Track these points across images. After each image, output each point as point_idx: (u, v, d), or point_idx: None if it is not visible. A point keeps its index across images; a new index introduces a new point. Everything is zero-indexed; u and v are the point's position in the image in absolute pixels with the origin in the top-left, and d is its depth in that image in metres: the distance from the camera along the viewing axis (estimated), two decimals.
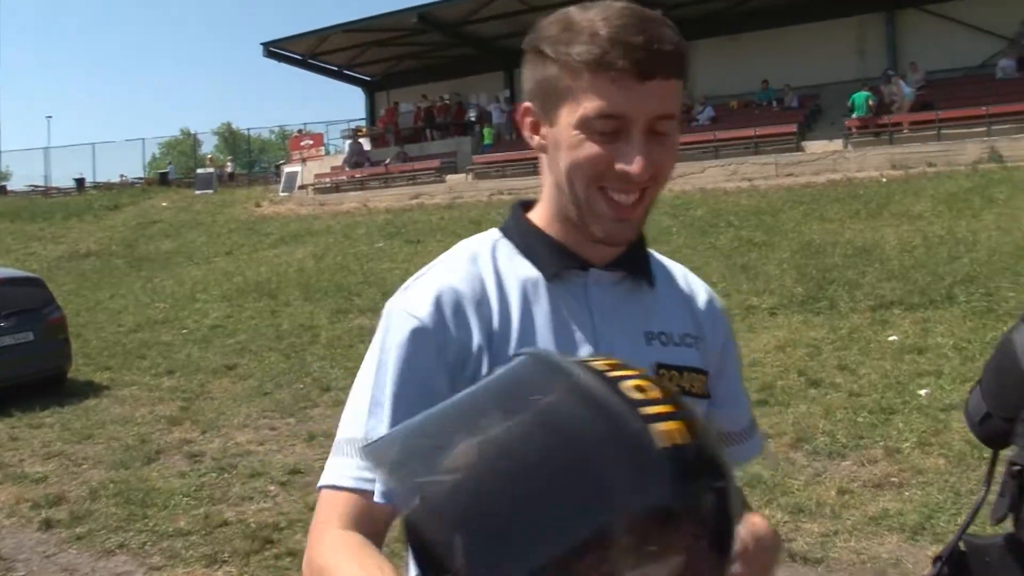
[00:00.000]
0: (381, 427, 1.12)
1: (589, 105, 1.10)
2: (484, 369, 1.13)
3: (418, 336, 1.15)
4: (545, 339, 1.18)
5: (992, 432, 1.44)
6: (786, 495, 5.41)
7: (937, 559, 1.51)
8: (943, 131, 20.20)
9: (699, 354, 1.28)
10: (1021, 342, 1.41)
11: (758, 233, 14.47)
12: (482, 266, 1.22)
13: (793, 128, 22.67)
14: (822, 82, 24.95)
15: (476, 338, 1.16)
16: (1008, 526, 1.41)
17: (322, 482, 1.17)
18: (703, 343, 1.30)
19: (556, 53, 1.12)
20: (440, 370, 1.14)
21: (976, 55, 23.14)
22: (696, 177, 21.67)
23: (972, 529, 1.50)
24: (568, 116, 1.12)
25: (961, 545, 1.46)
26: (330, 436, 1.38)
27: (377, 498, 1.10)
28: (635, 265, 1.27)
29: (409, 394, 1.13)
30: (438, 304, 1.16)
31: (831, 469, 5.85)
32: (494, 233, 1.28)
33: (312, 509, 1.22)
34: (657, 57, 1.09)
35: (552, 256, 1.22)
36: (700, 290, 1.36)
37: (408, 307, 1.18)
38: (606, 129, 1.10)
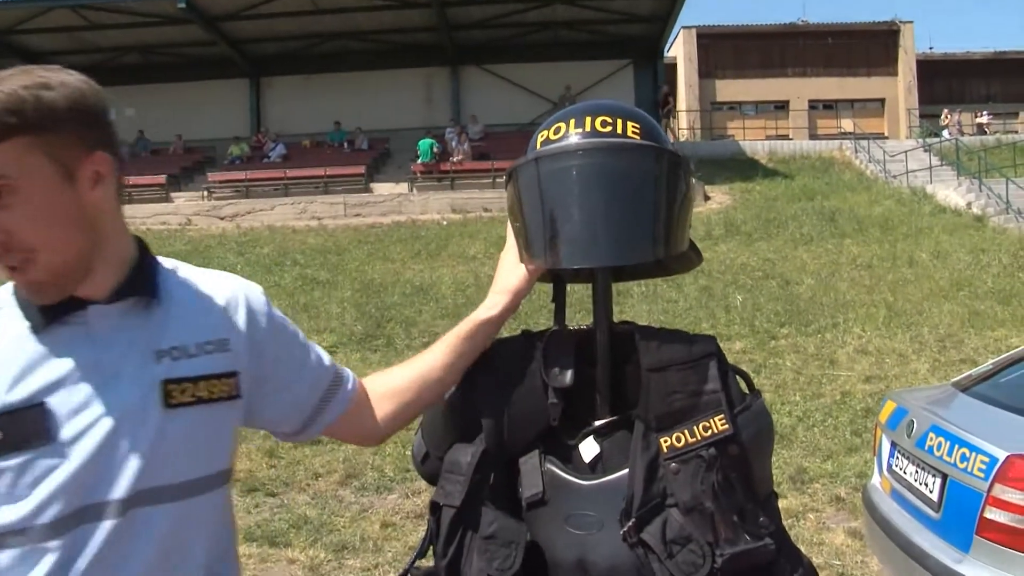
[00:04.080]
0: None
1: None
2: None
3: None
4: (44, 385, 1.20)
5: (433, 471, 1.51)
6: (332, 533, 5.41)
7: None
8: (498, 180, 22.07)
9: (225, 357, 1.32)
10: (451, 392, 1.51)
11: (323, 272, 14.62)
12: None
13: (362, 169, 23.39)
14: (392, 127, 26.09)
15: None
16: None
17: None
18: (230, 344, 1.33)
19: None
20: None
21: (528, 113, 25.68)
22: (265, 214, 21.45)
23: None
24: None
25: None
26: None
27: None
28: (141, 288, 1.29)
29: None
30: None
31: (377, 503, 5.96)
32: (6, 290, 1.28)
33: None
34: None
35: (41, 308, 1.23)
36: (227, 291, 1.39)
37: None
38: None
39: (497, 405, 1.46)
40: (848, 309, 11.63)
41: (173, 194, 23.38)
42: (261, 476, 6.50)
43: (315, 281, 13.99)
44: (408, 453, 6.86)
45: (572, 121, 1.45)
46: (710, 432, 1.35)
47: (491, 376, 1.48)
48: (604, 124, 1.43)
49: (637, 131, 1.43)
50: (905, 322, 10.98)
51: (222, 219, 21.57)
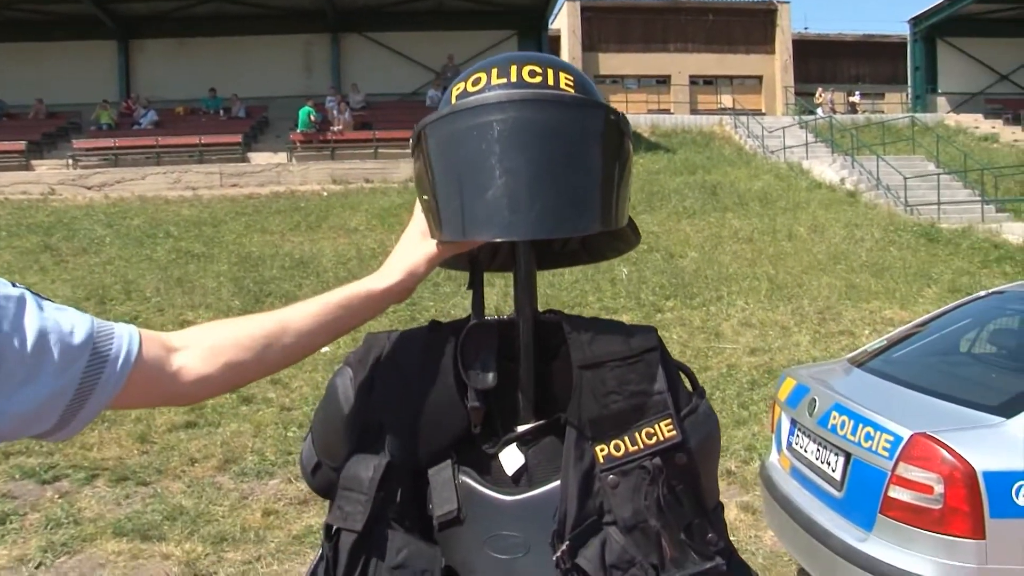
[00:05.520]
0: None
1: None
2: None
3: None
4: None
5: (325, 483, 1.28)
6: (210, 524, 5.07)
7: None
8: (380, 150, 21.59)
9: None
10: (343, 386, 1.27)
11: (198, 244, 13.96)
12: None
13: (239, 138, 22.51)
14: (270, 94, 25.20)
15: None
16: None
17: None
18: None
19: None
20: None
21: (410, 83, 25.14)
22: (136, 184, 20.42)
23: None
24: None
25: None
26: None
27: None
28: None
29: None
30: None
31: (258, 490, 5.64)
32: None
33: None
34: None
35: None
36: None
37: None
38: None
39: (403, 409, 1.23)
40: (731, 282, 11.80)
41: (35, 162, 22.00)
42: (132, 464, 6.10)
43: (190, 254, 13.34)
44: (290, 435, 6.63)
45: (495, 70, 1.21)
46: (655, 440, 1.17)
47: (394, 374, 1.25)
48: (533, 74, 1.20)
49: (571, 83, 1.21)
50: (786, 295, 11.21)
51: (89, 189, 20.41)
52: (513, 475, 1.23)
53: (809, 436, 3.65)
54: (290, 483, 5.70)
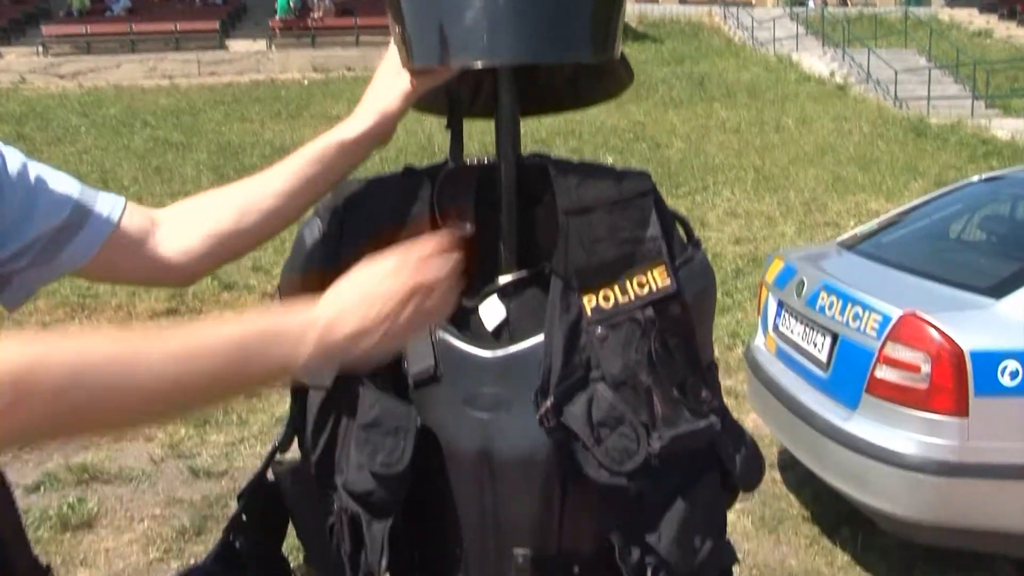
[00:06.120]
0: None
1: None
2: None
3: None
4: None
5: None
6: None
7: (240, 495, 1.26)
8: (362, 37, 21.02)
9: None
10: (311, 236, 1.21)
11: (176, 133, 13.67)
12: None
13: (216, 25, 21.88)
14: None
15: None
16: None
17: None
18: None
19: None
20: None
21: None
22: (110, 72, 19.87)
23: None
24: None
25: (270, 475, 1.21)
26: None
27: None
28: None
29: None
30: None
31: None
32: None
33: None
34: None
35: None
36: None
37: None
38: None
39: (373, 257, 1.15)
40: (718, 172, 11.69)
41: (3, 49, 21.32)
42: None
43: (168, 143, 13.07)
44: None
45: None
46: (647, 289, 1.08)
47: (364, 222, 1.16)
48: None
49: None
50: (772, 186, 11.12)
51: (61, 78, 19.85)
52: (494, 330, 1.16)
53: (796, 317, 3.61)
54: None
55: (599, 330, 1.08)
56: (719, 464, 1.17)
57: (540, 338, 1.11)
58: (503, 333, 1.15)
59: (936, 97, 17.27)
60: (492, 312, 1.16)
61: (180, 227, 1.16)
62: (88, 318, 6.71)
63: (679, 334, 1.10)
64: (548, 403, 1.07)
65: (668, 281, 1.08)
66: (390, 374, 1.16)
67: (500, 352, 1.13)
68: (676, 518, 1.11)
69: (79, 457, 4.42)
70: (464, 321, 1.16)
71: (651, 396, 1.07)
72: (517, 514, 1.13)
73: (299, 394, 1.17)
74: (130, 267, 1.16)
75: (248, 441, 4.65)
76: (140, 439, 4.68)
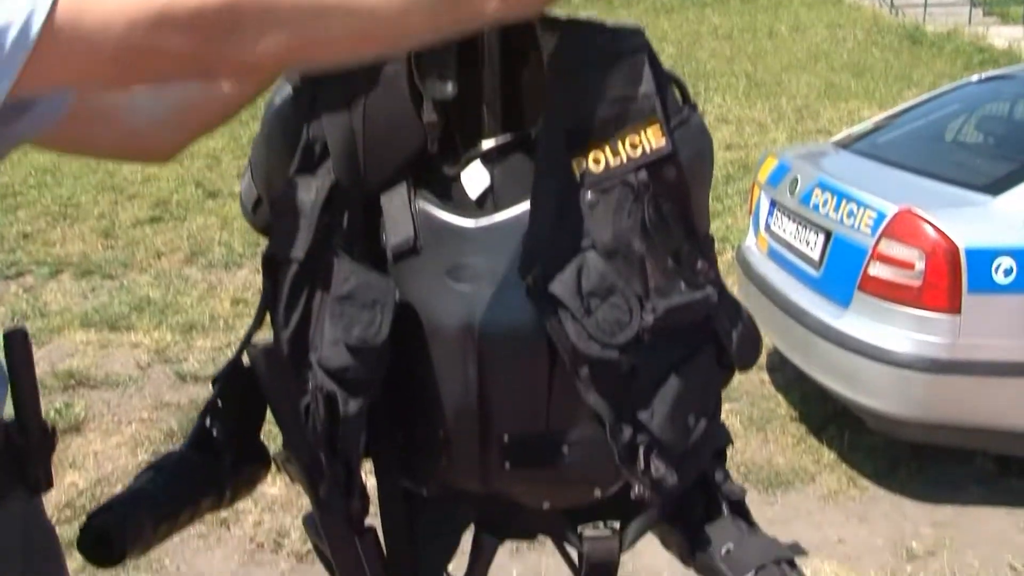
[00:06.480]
0: None
1: None
2: None
3: None
4: None
5: (268, 220, 1.13)
6: (178, 314, 5.02)
7: (215, 380, 1.21)
8: None
9: None
10: (282, 103, 1.14)
11: None
12: None
13: None
14: None
15: None
16: None
17: None
18: None
19: None
20: None
21: None
22: None
23: None
24: None
25: (245, 359, 1.16)
26: None
27: None
28: None
29: None
30: None
31: (226, 280, 5.56)
32: None
33: None
34: None
35: None
36: None
37: None
38: None
39: (348, 124, 1.07)
40: (709, 78, 11.50)
41: None
42: (96, 258, 5.97)
43: None
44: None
45: None
46: (640, 150, 1.02)
47: (337, 85, 1.07)
48: None
49: None
50: (764, 92, 10.95)
51: None
52: (477, 198, 1.09)
53: (789, 215, 3.55)
54: (258, 273, 5.54)
55: (589, 195, 1.02)
56: (715, 340, 1.12)
57: (526, 205, 1.05)
58: (487, 201, 1.09)
59: (933, 4, 16.91)
60: (475, 179, 1.09)
61: (146, 99, 1.12)
62: (71, 227, 6.61)
63: (674, 199, 1.04)
64: (535, 272, 1.01)
65: (663, 141, 1.01)
66: (367, 246, 1.10)
67: (484, 221, 1.07)
68: (670, 395, 1.06)
69: (64, 364, 4.39)
70: (445, 189, 1.10)
71: (644, 265, 1.02)
72: (503, 393, 1.08)
73: (271, 268, 1.10)
74: (100, 138, 1.14)
75: (234, 346, 4.53)
76: (126, 345, 4.65)
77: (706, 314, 1.08)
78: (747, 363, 1.18)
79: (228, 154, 8.42)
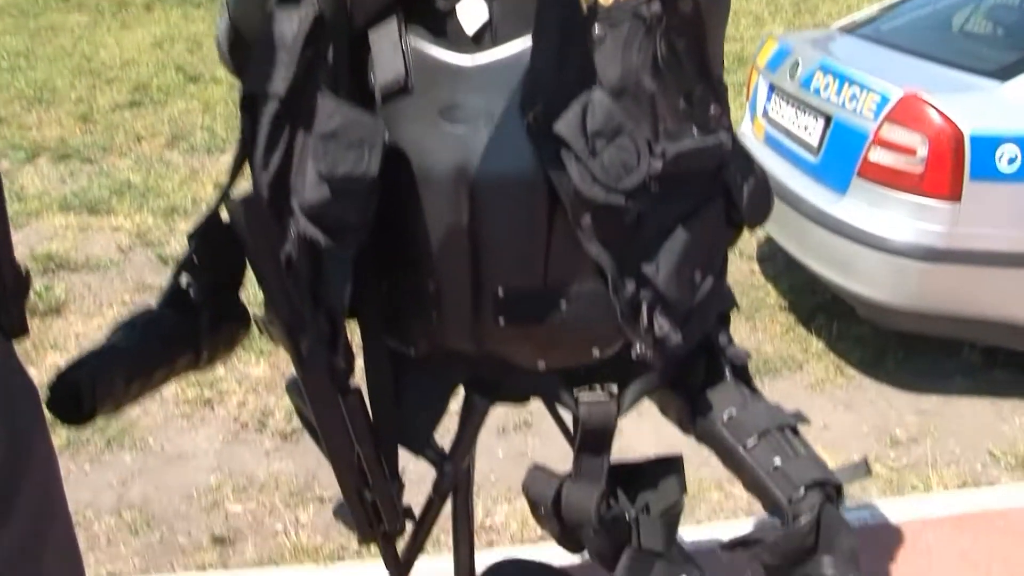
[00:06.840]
0: None
1: None
2: None
3: None
4: None
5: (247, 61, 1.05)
6: (160, 197, 4.91)
7: (191, 236, 1.14)
8: None
9: None
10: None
11: None
12: None
13: None
14: None
15: None
16: None
17: None
18: None
19: None
20: None
21: None
22: None
23: None
24: None
25: (222, 214, 1.09)
26: None
27: None
28: None
29: None
30: None
31: (209, 164, 5.43)
32: None
33: None
34: None
35: None
36: None
37: None
38: None
39: None
40: None
41: None
42: (74, 143, 5.81)
43: None
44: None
45: None
46: None
47: None
48: None
49: None
50: None
51: None
52: (475, 33, 1.00)
53: (787, 100, 3.45)
54: None
55: (596, 29, 0.94)
56: (725, 193, 1.05)
57: (527, 41, 0.96)
58: (485, 36, 1.00)
59: None
60: (472, 12, 1.00)
61: None
62: (47, 111, 6.42)
63: (689, 35, 0.96)
64: (536, 110, 0.93)
65: None
66: (354, 85, 1.02)
67: (481, 57, 0.99)
68: (676, 248, 1.00)
69: (43, 247, 4.30)
70: (439, 24, 1.01)
71: (654, 106, 0.94)
72: (498, 242, 1.01)
73: (250, 106, 1.02)
74: None
75: None
76: (106, 229, 4.55)
77: (718, 163, 1.01)
78: (757, 220, 1.12)
79: (209, 38, 8.14)
